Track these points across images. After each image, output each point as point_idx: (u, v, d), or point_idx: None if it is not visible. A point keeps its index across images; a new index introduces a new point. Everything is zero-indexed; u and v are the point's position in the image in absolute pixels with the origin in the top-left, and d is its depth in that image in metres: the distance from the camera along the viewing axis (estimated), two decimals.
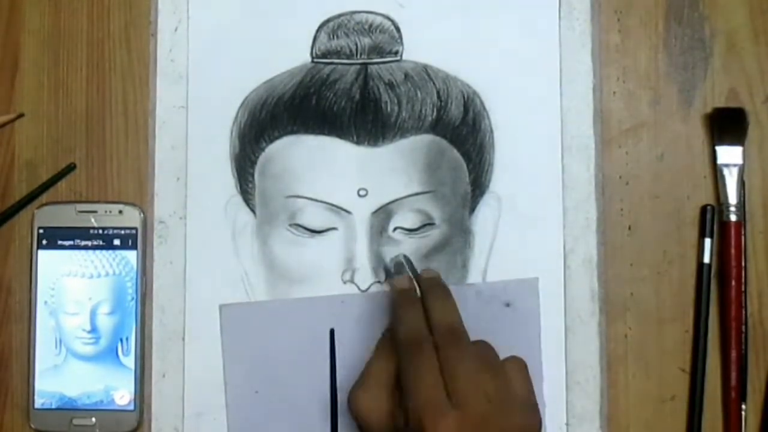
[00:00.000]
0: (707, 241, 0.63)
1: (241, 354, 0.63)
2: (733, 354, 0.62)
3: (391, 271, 0.62)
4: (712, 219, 0.63)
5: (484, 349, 0.55)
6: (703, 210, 0.63)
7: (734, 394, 0.62)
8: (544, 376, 0.62)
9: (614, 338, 0.63)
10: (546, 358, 0.62)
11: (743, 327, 0.62)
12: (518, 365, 0.56)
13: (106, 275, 0.63)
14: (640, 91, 0.65)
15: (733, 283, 0.62)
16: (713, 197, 0.64)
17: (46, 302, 0.63)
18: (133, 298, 0.63)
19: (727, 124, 0.63)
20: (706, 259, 0.63)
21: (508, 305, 0.63)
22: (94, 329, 0.63)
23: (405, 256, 0.62)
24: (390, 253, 0.63)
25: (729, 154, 0.63)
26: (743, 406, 0.62)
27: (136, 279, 0.63)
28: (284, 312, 0.63)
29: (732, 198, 0.62)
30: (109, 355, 0.63)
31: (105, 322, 0.63)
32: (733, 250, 0.62)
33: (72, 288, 0.63)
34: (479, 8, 0.64)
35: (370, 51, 0.64)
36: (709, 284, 0.62)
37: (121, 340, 0.63)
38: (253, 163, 0.64)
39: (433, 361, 0.52)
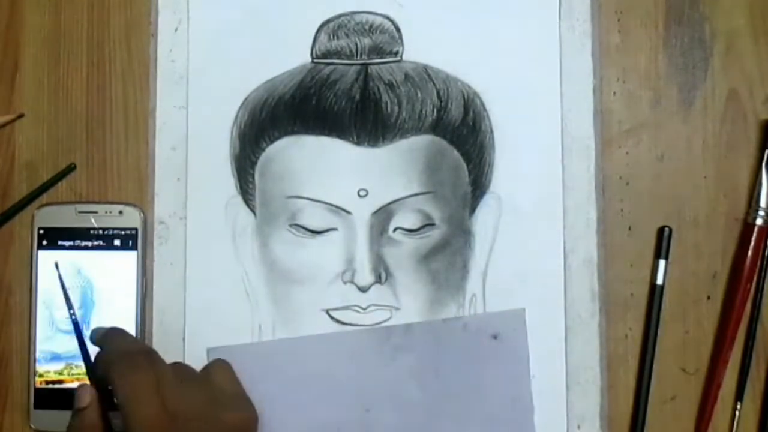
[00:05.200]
0: (661, 263, 0.62)
1: None
2: (732, 354, 0.62)
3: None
4: (669, 239, 0.63)
5: (179, 367, 0.58)
6: (660, 231, 0.63)
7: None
8: (535, 406, 0.62)
9: (614, 338, 0.63)
10: (545, 358, 0.62)
11: (752, 329, 0.62)
12: (221, 367, 0.60)
13: (106, 275, 0.63)
14: (640, 91, 0.65)
15: (743, 285, 0.62)
16: (713, 197, 0.64)
17: (46, 302, 0.63)
18: (133, 299, 0.63)
19: None
20: (659, 281, 0.62)
21: (495, 338, 0.62)
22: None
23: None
24: (390, 253, 0.63)
25: None
26: (738, 406, 0.62)
27: (137, 279, 0.63)
28: (270, 353, 0.63)
29: (764, 201, 0.62)
30: None
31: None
32: (750, 252, 0.62)
33: (72, 288, 0.63)
34: (479, 8, 0.64)
35: (370, 51, 0.64)
36: (660, 305, 0.62)
37: None
38: (254, 164, 0.64)
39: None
